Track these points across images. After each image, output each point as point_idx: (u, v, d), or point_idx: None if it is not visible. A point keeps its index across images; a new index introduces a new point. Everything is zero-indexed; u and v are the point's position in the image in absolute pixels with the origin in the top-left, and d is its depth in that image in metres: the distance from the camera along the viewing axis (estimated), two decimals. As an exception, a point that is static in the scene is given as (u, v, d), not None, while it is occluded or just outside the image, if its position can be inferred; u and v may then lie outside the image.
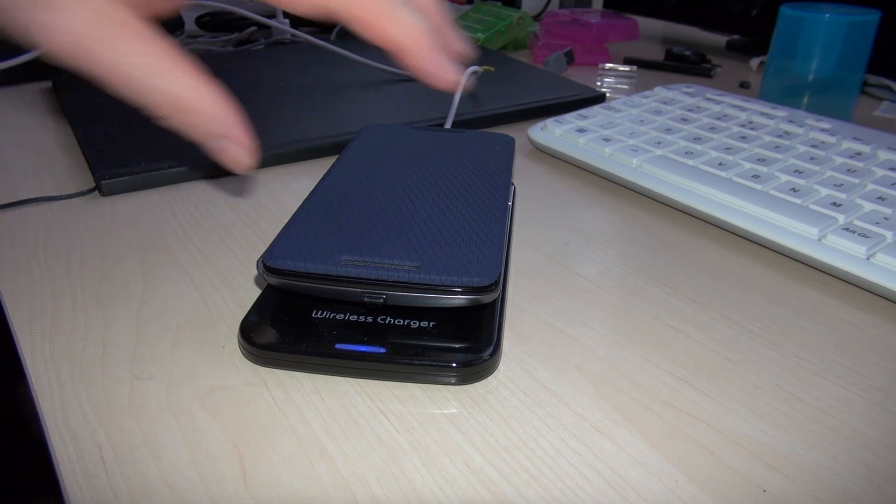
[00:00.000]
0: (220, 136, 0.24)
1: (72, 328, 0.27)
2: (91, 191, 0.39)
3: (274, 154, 0.43)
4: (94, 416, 0.23)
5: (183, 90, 0.22)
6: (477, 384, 0.25)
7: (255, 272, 0.32)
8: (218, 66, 0.62)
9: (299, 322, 0.26)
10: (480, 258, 0.26)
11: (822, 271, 0.32)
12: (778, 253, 0.34)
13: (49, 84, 0.60)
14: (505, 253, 0.27)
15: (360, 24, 0.24)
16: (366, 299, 0.25)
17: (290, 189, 0.40)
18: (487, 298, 0.25)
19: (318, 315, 0.26)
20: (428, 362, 0.24)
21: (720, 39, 0.81)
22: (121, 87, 0.22)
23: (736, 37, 0.79)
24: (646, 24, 0.79)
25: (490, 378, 0.25)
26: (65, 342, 0.27)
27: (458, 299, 0.25)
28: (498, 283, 0.25)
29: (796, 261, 0.33)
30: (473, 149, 0.37)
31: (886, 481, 0.21)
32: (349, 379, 0.25)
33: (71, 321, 0.28)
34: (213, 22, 0.78)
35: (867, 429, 0.23)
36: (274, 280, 0.26)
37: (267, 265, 0.25)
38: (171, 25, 0.67)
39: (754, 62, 0.70)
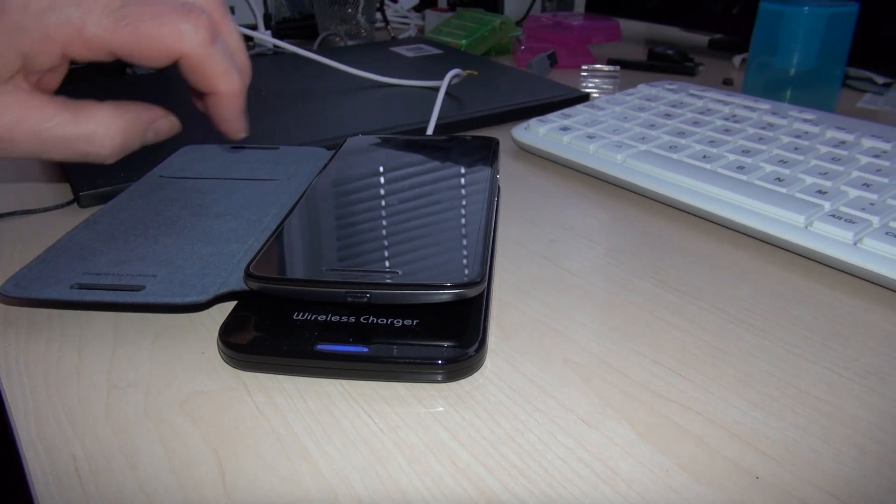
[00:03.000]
0: (147, 127, 0.27)
1: (47, 339, 0.27)
2: (70, 203, 0.38)
3: (256, 161, 0.43)
4: (69, 425, 0.22)
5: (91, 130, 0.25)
6: (463, 381, 0.24)
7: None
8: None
9: (280, 325, 0.26)
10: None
11: (809, 259, 0.32)
12: (765, 242, 0.34)
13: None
14: (489, 247, 0.27)
15: (194, 73, 0.26)
16: (349, 299, 0.25)
17: (273, 195, 0.40)
18: (472, 293, 0.25)
19: (300, 317, 0.26)
20: (412, 360, 0.24)
21: (702, 39, 0.81)
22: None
23: (718, 35, 0.79)
24: (628, 25, 0.79)
25: (476, 375, 0.25)
26: (40, 353, 0.26)
27: (444, 295, 0.24)
28: (483, 278, 0.25)
29: (783, 249, 0.33)
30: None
31: (883, 464, 0.21)
32: (332, 381, 0.25)
33: (47, 332, 0.27)
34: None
35: (861, 412, 0.23)
36: (259, 286, 0.25)
37: (252, 274, 0.25)
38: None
39: (737, 59, 0.70)
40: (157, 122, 0.27)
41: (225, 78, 0.27)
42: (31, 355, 0.26)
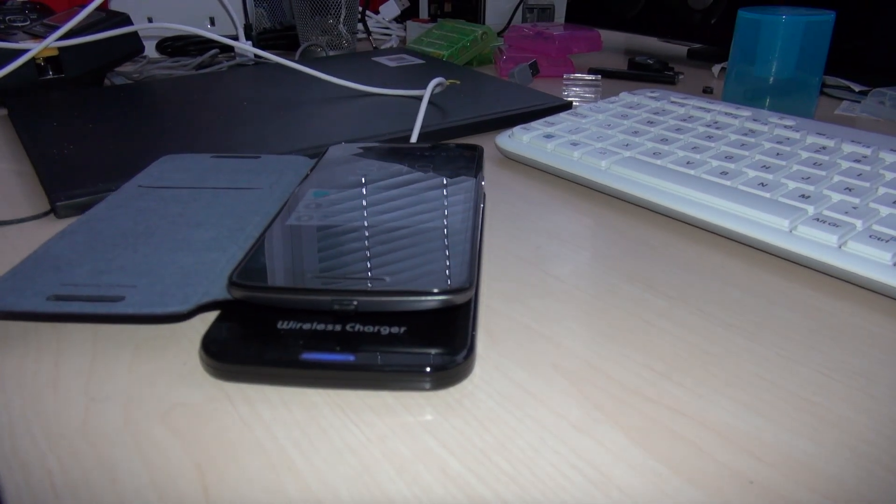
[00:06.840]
0: None
1: (23, 353, 0.26)
2: (46, 213, 0.38)
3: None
4: (45, 440, 0.22)
5: None
6: (451, 389, 0.24)
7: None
8: (177, 87, 0.61)
9: (264, 334, 0.25)
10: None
11: (794, 262, 0.32)
12: (750, 247, 0.34)
13: (5, 112, 0.58)
14: (476, 254, 0.27)
15: None
16: (336, 307, 0.24)
17: (255, 205, 0.39)
18: (461, 299, 0.24)
19: (284, 326, 0.25)
20: (399, 368, 0.24)
21: (681, 49, 0.82)
22: None
23: (697, 45, 0.80)
24: (608, 36, 0.80)
25: (465, 382, 0.24)
26: (15, 367, 0.25)
27: (432, 301, 0.24)
28: (471, 284, 0.25)
29: (769, 253, 0.33)
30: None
31: (874, 464, 0.21)
32: (319, 390, 0.24)
33: (23, 346, 0.26)
34: (175, 47, 0.77)
35: (851, 414, 0.23)
36: (243, 295, 0.25)
37: (236, 282, 0.25)
38: (130, 51, 0.66)
39: (716, 68, 0.71)
40: None
41: None
42: (6, 369, 0.25)
